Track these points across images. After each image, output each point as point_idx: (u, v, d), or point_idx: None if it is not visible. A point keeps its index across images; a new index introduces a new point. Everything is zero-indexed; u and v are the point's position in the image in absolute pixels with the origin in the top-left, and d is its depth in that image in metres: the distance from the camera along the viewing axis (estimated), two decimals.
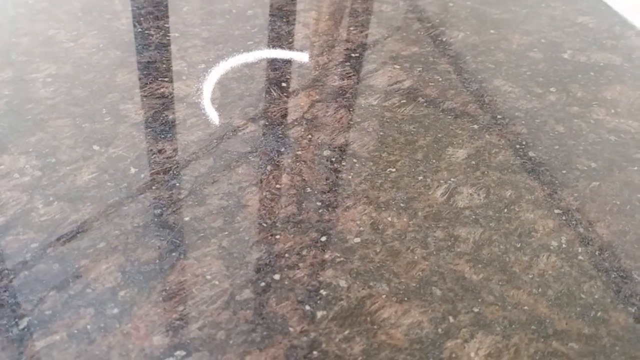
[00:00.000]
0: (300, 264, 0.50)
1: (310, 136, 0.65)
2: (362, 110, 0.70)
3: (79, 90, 0.70)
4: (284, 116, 0.68)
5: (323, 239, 0.53)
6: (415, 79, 0.77)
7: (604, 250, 0.54)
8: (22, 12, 0.85)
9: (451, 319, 0.47)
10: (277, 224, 0.54)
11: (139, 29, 0.84)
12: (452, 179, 0.61)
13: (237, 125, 0.66)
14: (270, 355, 0.43)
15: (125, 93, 0.70)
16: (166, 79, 0.73)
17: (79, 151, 0.60)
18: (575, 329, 0.47)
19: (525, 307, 0.48)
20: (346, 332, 0.45)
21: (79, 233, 0.51)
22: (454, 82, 0.78)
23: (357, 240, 0.53)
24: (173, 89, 0.72)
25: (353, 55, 0.81)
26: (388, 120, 0.69)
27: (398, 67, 0.79)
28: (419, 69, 0.79)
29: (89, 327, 0.44)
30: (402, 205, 0.57)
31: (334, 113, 0.69)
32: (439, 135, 0.67)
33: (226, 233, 0.52)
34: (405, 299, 0.48)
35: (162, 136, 0.64)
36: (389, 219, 0.55)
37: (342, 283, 0.49)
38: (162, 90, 0.71)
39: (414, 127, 0.68)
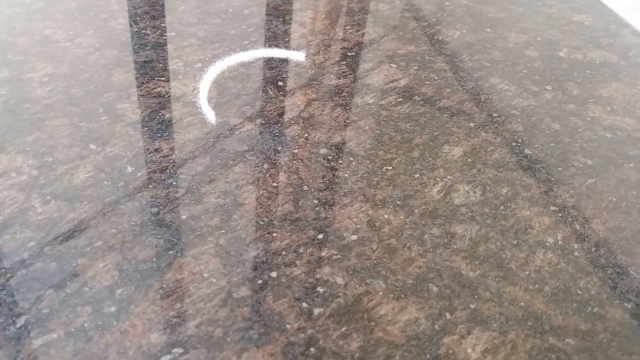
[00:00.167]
0: (297, 262, 0.50)
1: (306, 134, 0.65)
2: (359, 109, 0.70)
3: (75, 89, 0.70)
4: (281, 115, 0.68)
5: (320, 236, 0.53)
6: (412, 77, 0.77)
7: (600, 246, 0.54)
8: (18, 12, 0.85)
9: (448, 315, 0.47)
10: (274, 222, 0.54)
11: (136, 29, 0.84)
12: (448, 177, 0.61)
13: (233, 124, 0.66)
14: (267, 352, 0.43)
15: (121, 92, 0.70)
16: (163, 78, 0.74)
17: (75, 150, 0.60)
18: (571, 325, 0.47)
19: (522, 303, 0.48)
20: (343, 329, 0.45)
21: (76, 232, 0.52)
22: (450, 80, 0.78)
23: (354, 237, 0.53)
24: (170, 88, 0.72)
25: (349, 54, 0.81)
26: (384, 118, 0.69)
27: (394, 65, 0.79)
28: (415, 67, 0.79)
29: (86, 325, 0.44)
30: (398, 202, 0.57)
31: (331, 112, 0.69)
32: (435, 133, 0.67)
33: (223, 231, 0.52)
34: (402, 295, 0.48)
35: (159, 135, 0.64)
36: (386, 216, 0.55)
37: (339, 280, 0.49)
38: (158, 89, 0.71)
39: (410, 126, 0.68)
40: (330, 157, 0.62)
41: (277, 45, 0.82)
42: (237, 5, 0.92)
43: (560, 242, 0.54)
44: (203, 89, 0.72)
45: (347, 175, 0.60)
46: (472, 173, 0.61)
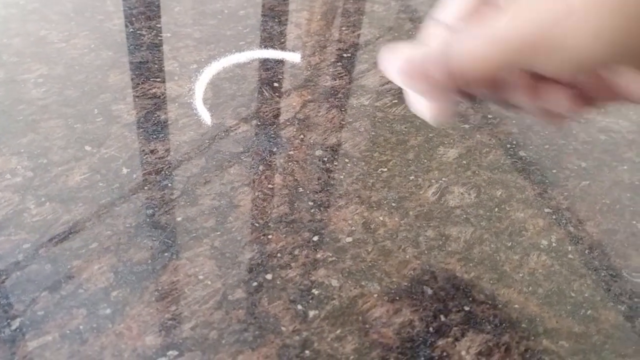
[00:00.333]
0: (293, 264, 0.50)
1: (302, 136, 0.65)
2: (354, 110, 0.70)
3: (70, 90, 0.70)
4: (276, 116, 0.69)
5: (315, 238, 0.53)
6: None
7: (594, 249, 0.54)
8: (13, 13, 0.85)
9: (442, 317, 0.47)
10: (269, 224, 0.54)
11: (131, 29, 0.84)
12: (443, 179, 0.61)
13: (229, 126, 0.66)
14: (262, 355, 0.43)
15: (117, 93, 0.70)
16: (158, 79, 0.74)
17: (70, 152, 0.60)
18: (565, 327, 0.47)
19: (516, 306, 0.48)
20: (338, 331, 0.45)
21: (71, 233, 0.52)
22: None
23: (349, 239, 0.53)
24: (165, 89, 0.72)
25: (345, 55, 0.81)
26: (380, 120, 0.69)
27: None
28: None
29: (81, 327, 0.44)
30: (393, 204, 0.57)
31: (326, 113, 0.69)
32: (430, 135, 0.67)
33: (218, 233, 0.53)
34: (397, 298, 0.48)
35: (154, 137, 0.64)
36: (381, 218, 0.55)
37: (334, 282, 0.49)
38: (154, 90, 0.71)
39: (405, 127, 0.68)
40: (326, 159, 0.62)
41: (272, 47, 0.82)
42: (233, 6, 0.93)
43: (554, 245, 0.54)
44: (199, 90, 0.72)
45: (342, 177, 0.60)
46: (467, 175, 0.62)
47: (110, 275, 0.47)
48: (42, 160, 0.58)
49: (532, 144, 0.66)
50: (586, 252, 0.53)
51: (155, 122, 0.65)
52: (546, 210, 0.57)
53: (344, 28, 0.88)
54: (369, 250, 0.51)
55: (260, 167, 0.60)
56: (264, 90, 0.72)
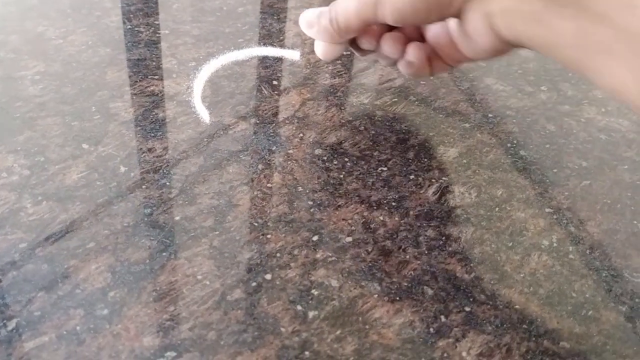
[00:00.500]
0: (292, 264, 0.50)
1: (301, 135, 0.65)
2: (354, 109, 0.70)
3: (68, 88, 0.69)
4: (275, 114, 0.68)
5: (315, 238, 0.52)
6: (407, 77, 0.77)
7: (595, 249, 0.54)
8: (11, 10, 0.85)
9: (443, 318, 0.47)
10: (268, 223, 0.53)
11: (129, 26, 0.84)
12: (443, 178, 0.61)
13: (227, 124, 0.66)
14: (261, 356, 0.43)
15: (114, 91, 0.70)
16: (156, 77, 0.73)
17: (68, 150, 0.60)
18: (566, 328, 0.47)
19: (517, 306, 0.48)
20: (338, 332, 0.45)
21: (68, 233, 0.51)
22: (445, 80, 0.78)
23: (349, 239, 0.53)
24: (163, 87, 0.71)
25: (344, 53, 0.80)
26: (380, 118, 0.68)
27: None
28: None
29: (78, 328, 0.44)
30: (393, 204, 0.57)
31: (325, 111, 0.69)
32: (430, 134, 0.67)
33: (217, 232, 0.52)
34: (397, 298, 0.48)
35: (152, 135, 0.63)
36: (381, 218, 0.55)
37: (334, 283, 0.49)
38: (152, 88, 0.71)
39: (405, 126, 0.68)
40: (325, 158, 0.62)
41: (271, 44, 0.82)
42: (232, 3, 0.92)
43: (555, 245, 0.54)
44: (197, 88, 0.72)
45: (342, 176, 0.59)
46: (467, 174, 0.61)
47: (107, 275, 0.47)
48: (39, 158, 0.58)
49: (533, 143, 0.66)
50: (587, 252, 0.53)
51: (153, 120, 0.65)
52: (547, 210, 0.57)
53: None
54: (369, 250, 0.51)
55: (259, 166, 0.59)
56: (263, 88, 0.72)
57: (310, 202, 0.56)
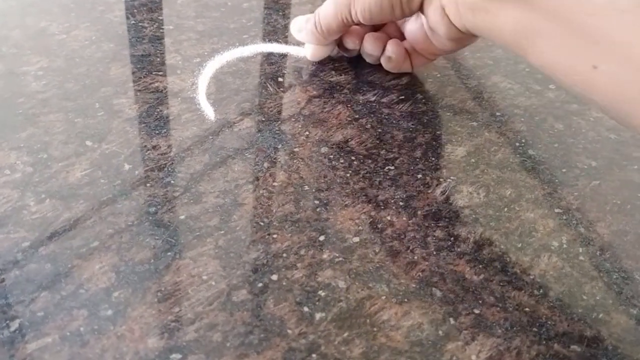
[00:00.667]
0: (299, 264, 0.49)
1: (307, 132, 0.64)
2: (360, 106, 0.69)
3: (71, 84, 0.69)
4: (281, 112, 0.67)
5: (321, 238, 0.52)
6: (413, 75, 0.76)
7: (605, 250, 0.53)
8: (12, 5, 0.84)
9: (452, 320, 0.46)
10: (274, 223, 0.53)
11: (132, 21, 0.83)
12: (451, 177, 0.60)
13: (233, 121, 0.65)
14: (268, 358, 0.42)
15: (118, 87, 0.69)
16: (160, 73, 0.72)
17: (71, 147, 0.59)
18: (577, 331, 0.46)
19: (527, 309, 0.47)
20: (345, 335, 0.44)
21: (71, 231, 0.50)
22: (452, 78, 0.77)
23: (356, 239, 0.52)
24: (167, 83, 0.70)
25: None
26: (386, 116, 0.68)
27: None
28: None
29: (82, 329, 0.43)
30: (401, 204, 0.56)
31: (332, 109, 0.68)
32: (438, 132, 0.66)
33: (222, 232, 0.51)
34: (405, 300, 0.47)
35: (157, 132, 0.62)
36: (388, 218, 0.54)
37: (341, 284, 0.48)
38: (156, 84, 0.70)
39: (412, 124, 0.67)
40: (332, 156, 0.61)
41: (276, 40, 0.81)
42: None
43: (565, 246, 0.53)
44: (201, 85, 0.71)
45: (348, 175, 0.59)
46: (476, 174, 0.61)
47: (111, 275, 0.46)
48: (42, 156, 0.57)
49: (541, 142, 0.65)
50: (597, 253, 0.52)
51: (158, 117, 0.64)
52: (556, 210, 0.56)
53: None
54: (377, 250, 0.50)
55: (265, 164, 0.58)
56: (269, 85, 0.71)
57: (317, 202, 0.55)
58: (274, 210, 0.54)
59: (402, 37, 0.71)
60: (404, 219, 0.54)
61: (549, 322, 0.46)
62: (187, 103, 0.67)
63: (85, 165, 0.57)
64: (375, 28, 0.72)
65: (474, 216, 0.55)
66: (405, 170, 0.60)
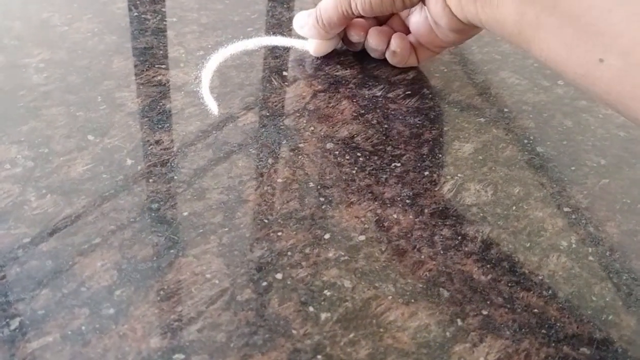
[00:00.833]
0: (304, 263, 0.48)
1: (312, 128, 0.63)
2: (366, 102, 0.68)
3: (73, 76, 0.68)
4: (285, 106, 0.66)
5: (327, 236, 0.51)
6: (420, 69, 0.75)
7: (615, 250, 0.52)
8: None
9: (459, 321, 0.45)
10: (279, 220, 0.52)
11: (135, 13, 0.82)
12: (458, 175, 0.59)
13: (236, 116, 0.64)
14: (272, 359, 0.41)
15: (121, 80, 0.68)
16: (163, 66, 0.71)
17: (73, 141, 0.58)
18: (586, 333, 0.45)
19: (536, 310, 0.47)
20: (351, 335, 0.43)
21: (73, 228, 0.49)
22: (459, 73, 0.76)
23: (362, 238, 0.51)
24: (170, 77, 0.69)
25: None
26: (393, 112, 0.67)
27: None
28: None
29: (83, 328, 0.42)
30: (407, 201, 0.55)
31: (337, 104, 0.67)
32: (445, 128, 0.65)
33: (226, 229, 0.50)
34: (412, 300, 0.46)
35: (160, 126, 0.61)
36: (395, 216, 0.53)
37: (347, 283, 0.47)
38: (159, 77, 0.69)
39: (419, 120, 0.66)
40: (337, 152, 0.60)
41: (281, 33, 0.80)
42: None
43: (574, 246, 0.52)
44: (205, 78, 0.70)
45: (354, 171, 0.58)
46: (483, 171, 0.60)
47: (113, 273, 0.46)
48: (43, 150, 0.56)
49: (550, 140, 0.64)
50: (607, 254, 0.51)
51: (160, 111, 0.63)
52: (565, 209, 0.55)
53: None
54: (383, 249, 0.49)
55: (269, 160, 0.58)
56: (273, 79, 0.70)
57: (322, 199, 0.54)
58: (279, 207, 0.53)
59: (406, 30, 0.70)
60: (411, 217, 0.53)
61: (558, 324, 0.46)
62: (191, 97, 0.66)
63: (87, 159, 0.56)
64: (380, 22, 0.70)
65: (481, 215, 0.54)
66: (411, 167, 0.59)
